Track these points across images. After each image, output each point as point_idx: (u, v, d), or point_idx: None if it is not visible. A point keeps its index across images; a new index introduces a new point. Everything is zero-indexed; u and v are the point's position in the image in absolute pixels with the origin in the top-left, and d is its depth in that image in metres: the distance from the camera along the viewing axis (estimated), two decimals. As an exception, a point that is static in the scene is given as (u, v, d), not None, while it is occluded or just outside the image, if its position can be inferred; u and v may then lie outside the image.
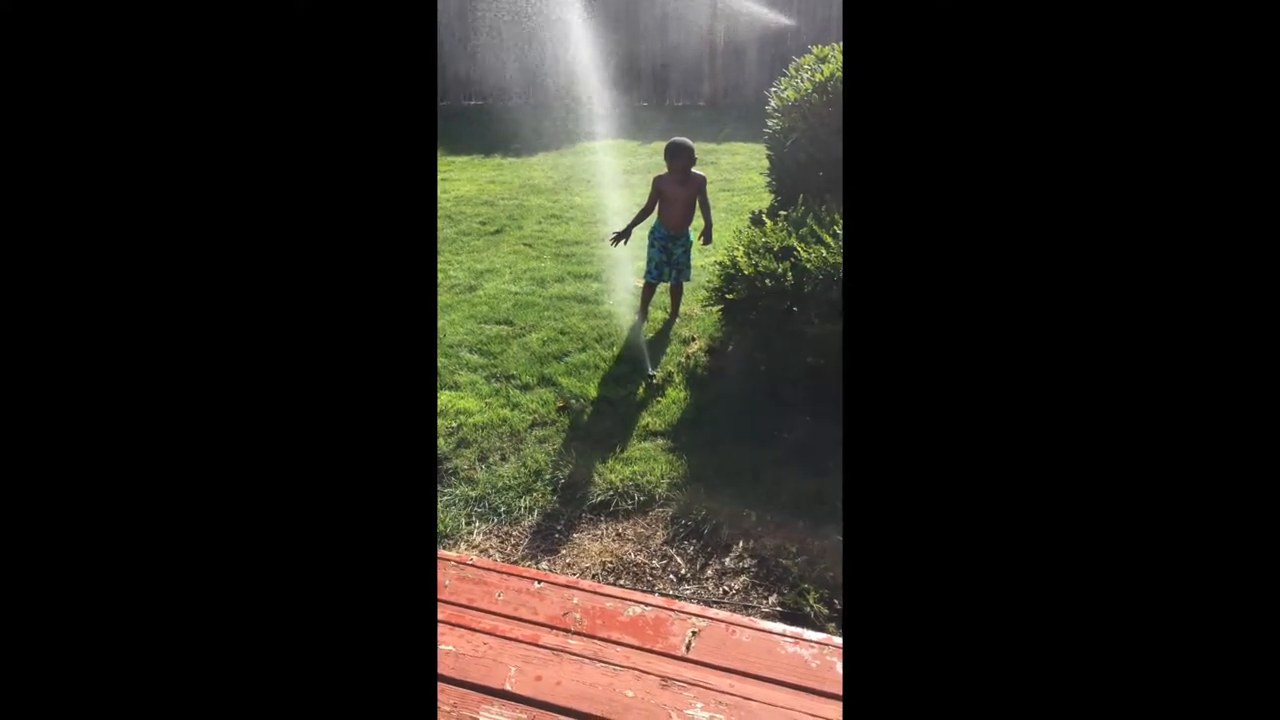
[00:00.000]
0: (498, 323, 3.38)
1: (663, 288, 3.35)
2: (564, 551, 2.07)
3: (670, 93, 8.81)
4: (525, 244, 4.49)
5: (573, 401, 2.75)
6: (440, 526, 2.15)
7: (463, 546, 2.10)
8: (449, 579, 1.76)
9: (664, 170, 3.13)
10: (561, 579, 1.77)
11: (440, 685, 1.27)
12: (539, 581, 1.73)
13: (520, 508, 2.24)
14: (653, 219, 3.21)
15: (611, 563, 2.01)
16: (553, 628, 1.57)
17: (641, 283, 3.34)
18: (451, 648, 1.36)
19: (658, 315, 3.38)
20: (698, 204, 3.14)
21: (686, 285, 3.36)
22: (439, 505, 2.26)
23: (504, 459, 2.45)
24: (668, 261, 3.18)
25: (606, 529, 2.16)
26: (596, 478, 2.33)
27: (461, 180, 6.06)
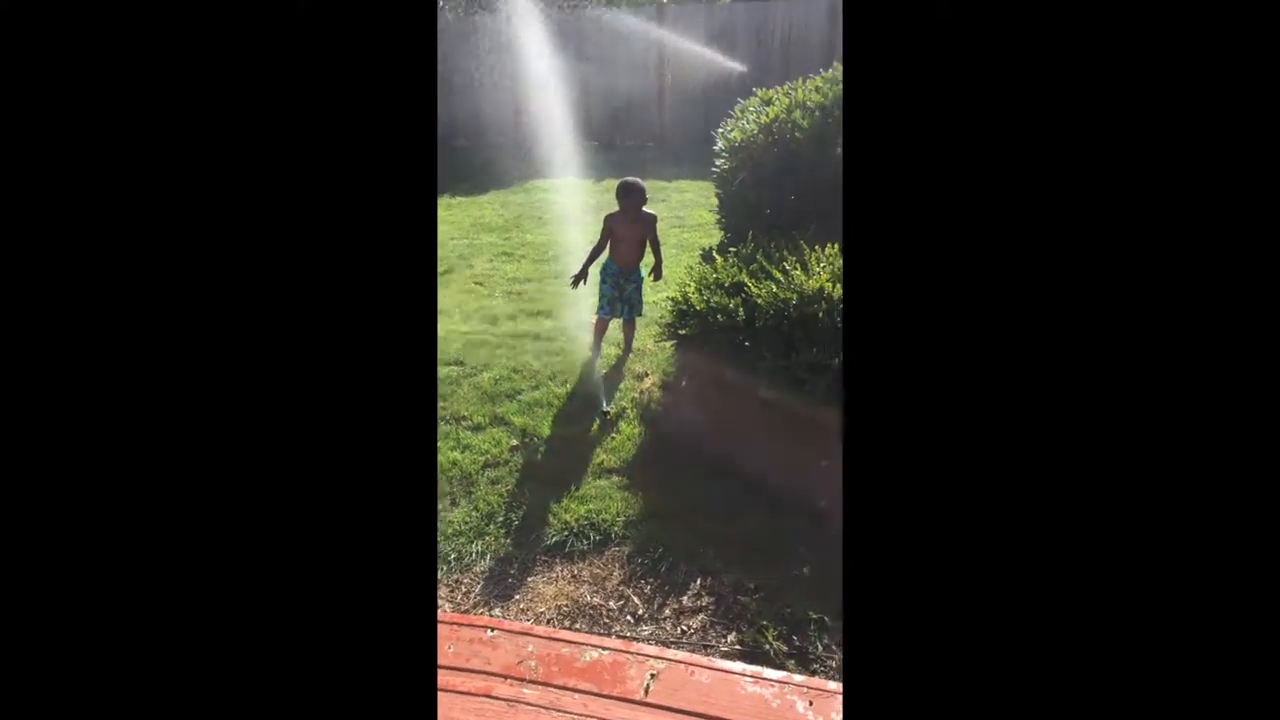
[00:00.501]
0: (448, 364, 3.32)
1: (616, 323, 3.35)
2: (518, 596, 2.01)
3: (620, 132, 8.97)
4: (476, 283, 4.46)
5: (526, 440, 2.71)
6: (388, 575, 2.07)
7: (412, 595, 2.02)
8: (397, 631, 1.68)
9: (615, 208, 3.16)
10: (516, 625, 1.71)
11: (386, 746, 1.20)
12: (491, 630, 1.67)
13: (472, 553, 2.17)
14: (605, 256, 3.23)
15: (567, 606, 1.96)
16: (507, 677, 1.51)
17: (595, 319, 3.34)
18: (399, 705, 1.29)
19: (611, 351, 3.38)
20: (648, 241, 3.19)
21: (639, 320, 3.38)
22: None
23: (454, 504, 2.39)
24: (620, 297, 3.20)
25: (562, 570, 2.10)
26: (551, 518, 2.28)
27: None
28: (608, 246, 3.19)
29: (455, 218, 6.10)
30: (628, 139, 9.05)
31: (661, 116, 8.99)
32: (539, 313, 3.89)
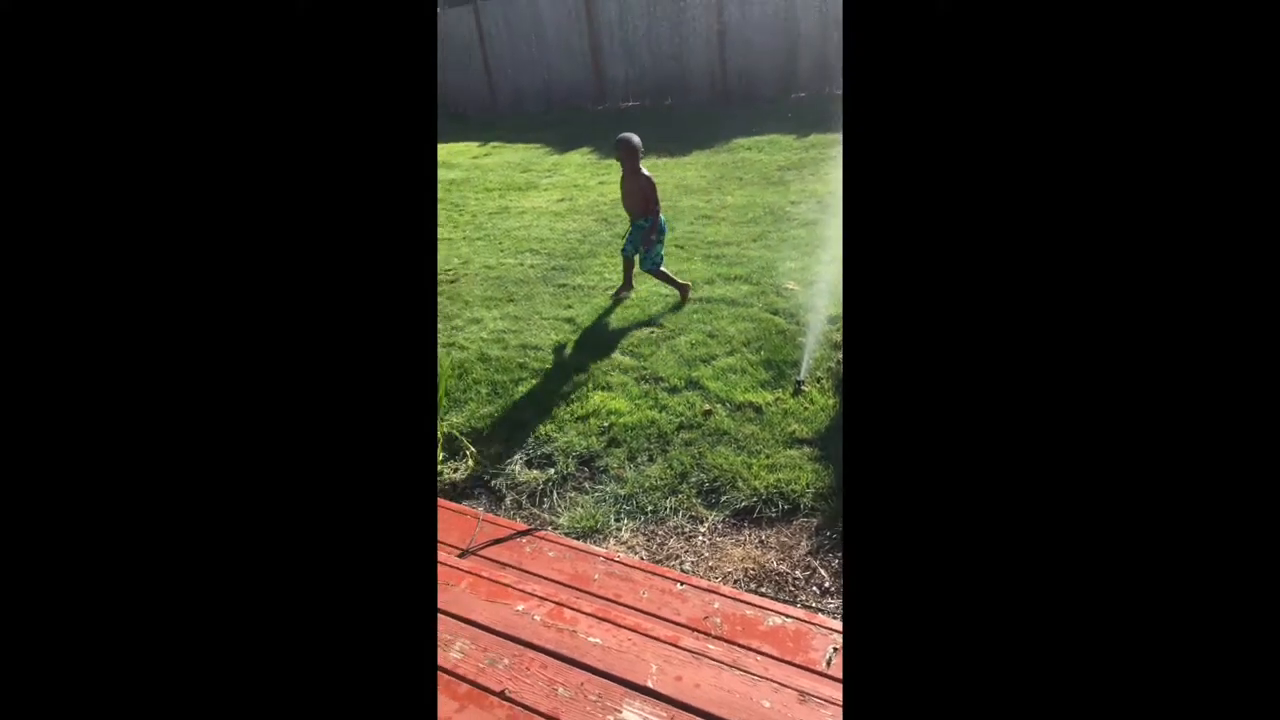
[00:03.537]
0: (648, 325, 3.49)
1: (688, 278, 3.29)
2: (707, 554, 2.12)
3: (832, 82, 8.52)
4: (677, 245, 4.58)
5: (719, 406, 2.79)
6: (591, 522, 2.28)
7: (611, 543, 2.21)
8: (597, 573, 1.87)
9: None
10: (703, 583, 1.82)
11: (587, 675, 1.36)
12: (681, 584, 1.79)
13: (666, 508, 2.31)
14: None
15: (753, 570, 2.03)
16: (693, 630, 1.63)
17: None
18: (599, 640, 1.46)
19: (816, 321, 3.32)
20: (647, 199, 3.51)
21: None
22: (590, 501, 2.39)
23: (651, 459, 2.55)
24: (632, 239, 3.65)
25: (749, 535, 2.18)
26: (740, 483, 2.35)
27: (617, 183, 6.26)
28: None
29: (660, 179, 6.22)
30: (837, 87, 8.58)
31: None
32: (736, 278, 3.92)
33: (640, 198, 3.52)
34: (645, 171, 3.52)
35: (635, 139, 3.49)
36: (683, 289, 3.67)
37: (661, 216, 3.58)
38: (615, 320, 3.56)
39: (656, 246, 3.57)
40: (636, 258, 3.66)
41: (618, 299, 3.83)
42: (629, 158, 3.47)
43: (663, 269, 3.64)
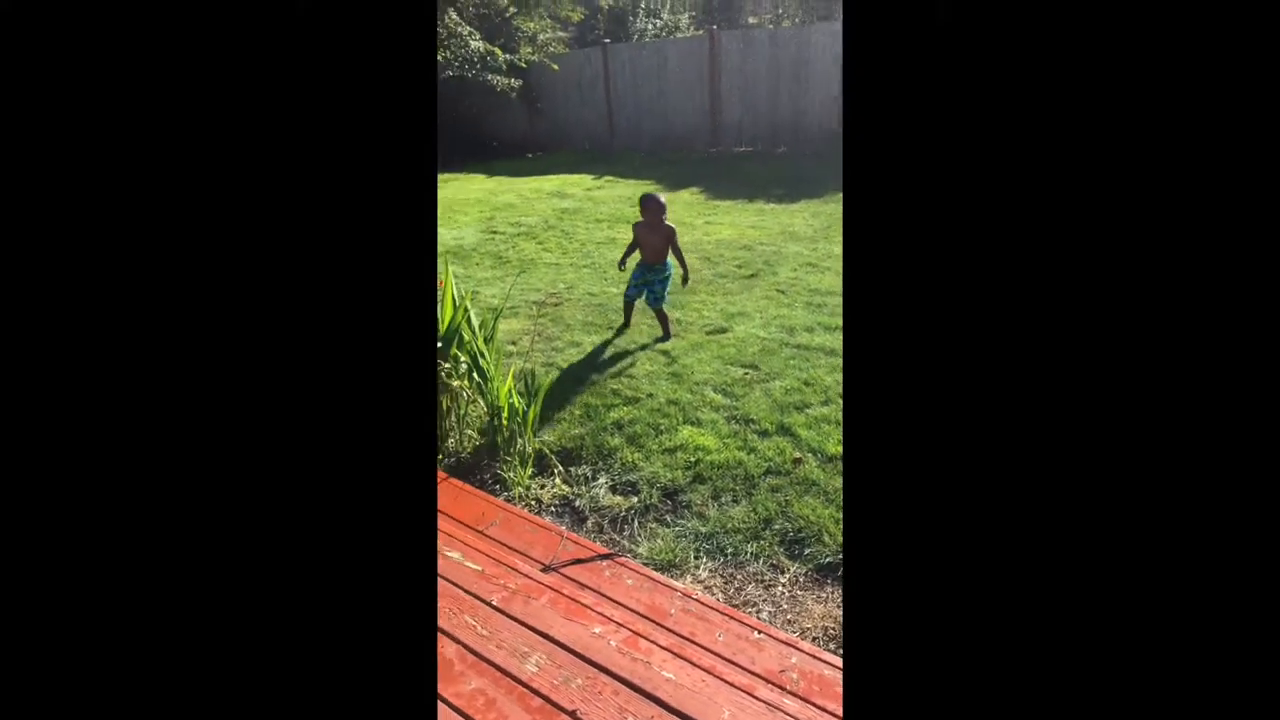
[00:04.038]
0: (743, 366, 3.47)
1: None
2: (785, 606, 2.06)
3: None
4: (779, 290, 4.56)
5: (810, 455, 2.73)
6: (670, 555, 2.27)
7: (689, 579, 2.18)
8: (674, 608, 1.85)
9: None
10: (781, 635, 1.76)
11: (659, 709, 1.35)
12: (759, 632, 1.74)
13: (747, 552, 2.27)
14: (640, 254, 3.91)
15: (834, 629, 1.95)
16: (769, 682, 1.58)
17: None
18: (672, 676, 1.44)
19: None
20: (670, 248, 3.82)
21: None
22: (670, 535, 2.38)
23: (736, 501, 2.51)
24: (644, 284, 3.88)
25: (833, 592, 2.10)
26: (827, 537, 2.28)
27: (724, 224, 6.33)
28: (638, 248, 3.89)
29: (766, 224, 6.28)
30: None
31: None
32: (836, 328, 3.85)
33: (664, 248, 3.85)
34: (668, 223, 3.85)
35: (663, 199, 3.90)
36: (666, 331, 3.97)
37: (669, 260, 3.93)
38: (710, 357, 3.57)
39: (664, 287, 3.95)
40: (644, 295, 3.93)
41: (666, 337, 3.93)
42: (657, 213, 3.77)
43: (663, 308, 3.97)
